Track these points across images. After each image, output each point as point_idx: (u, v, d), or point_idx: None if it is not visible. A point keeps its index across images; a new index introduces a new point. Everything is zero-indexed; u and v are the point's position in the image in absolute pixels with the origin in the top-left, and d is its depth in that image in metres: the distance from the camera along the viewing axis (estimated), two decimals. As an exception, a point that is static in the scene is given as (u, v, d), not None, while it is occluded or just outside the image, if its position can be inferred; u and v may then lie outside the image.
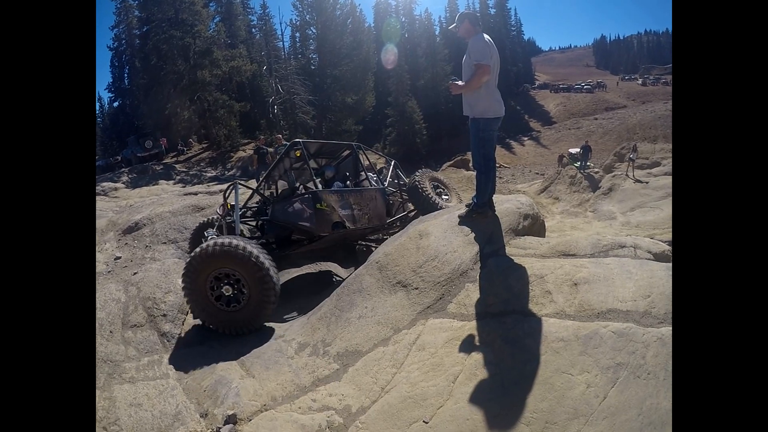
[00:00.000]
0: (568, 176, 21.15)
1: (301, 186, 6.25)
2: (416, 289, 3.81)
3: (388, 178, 6.89)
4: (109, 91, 27.77)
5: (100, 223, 9.09)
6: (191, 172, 18.03)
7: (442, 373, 2.97)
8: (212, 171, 17.96)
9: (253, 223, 6.28)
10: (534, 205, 4.92)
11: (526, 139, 45.21)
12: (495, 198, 4.36)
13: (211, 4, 24.16)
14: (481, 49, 3.81)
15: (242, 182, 6.32)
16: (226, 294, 4.53)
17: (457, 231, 4.21)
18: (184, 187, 15.02)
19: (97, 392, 3.98)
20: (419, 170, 6.69)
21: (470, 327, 3.26)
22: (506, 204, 4.58)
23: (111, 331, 4.97)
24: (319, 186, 5.63)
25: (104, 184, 16.61)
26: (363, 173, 6.55)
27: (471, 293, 3.56)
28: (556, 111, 55.08)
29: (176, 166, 18.88)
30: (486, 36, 3.91)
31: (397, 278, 4.00)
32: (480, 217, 4.19)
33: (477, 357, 2.99)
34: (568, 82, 68.84)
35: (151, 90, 20.75)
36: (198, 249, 4.55)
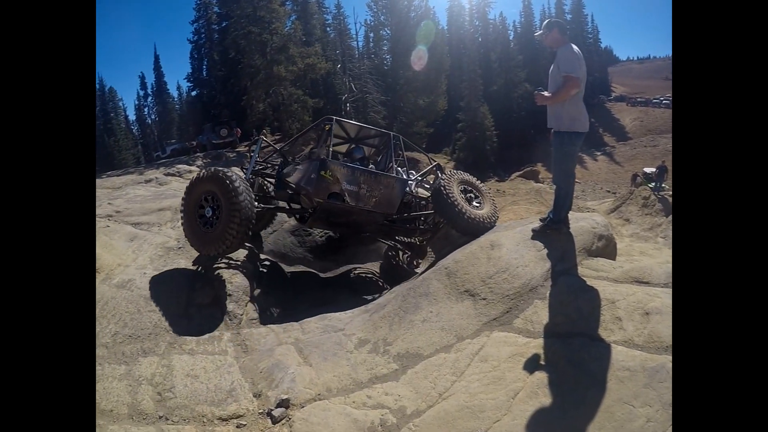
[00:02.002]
0: (641, 198, 19.71)
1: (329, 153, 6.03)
2: (484, 299, 3.76)
3: (417, 177, 6.63)
4: (188, 81, 29.96)
5: (174, 201, 9.56)
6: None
7: (502, 387, 2.91)
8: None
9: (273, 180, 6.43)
10: (609, 226, 4.69)
11: (599, 154, 42.80)
12: (570, 215, 4.19)
13: (287, 3, 24.99)
14: (571, 61, 3.68)
15: (266, 140, 6.73)
16: (207, 215, 5.02)
17: (529, 245, 4.11)
18: None
19: (156, 359, 4.23)
20: (449, 171, 6.28)
21: (535, 345, 3.18)
22: (581, 222, 4.40)
23: (176, 304, 5.28)
24: (338, 158, 5.99)
25: (180, 166, 17.50)
26: (392, 164, 6.28)
27: (539, 310, 3.46)
28: (632, 126, 51.59)
29: (248, 154, 19.81)
30: (575, 47, 3.77)
31: (465, 286, 3.96)
32: (554, 233, 4.05)
33: (540, 376, 2.92)
34: (645, 95, 63.98)
35: (228, 82, 22.10)
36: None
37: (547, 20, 4.05)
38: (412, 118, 22.36)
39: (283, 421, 3.23)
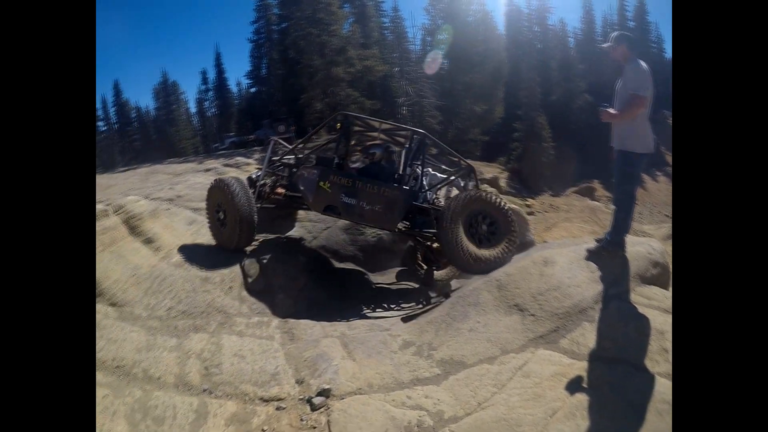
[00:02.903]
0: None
1: (337, 158, 5.90)
2: (532, 315, 3.74)
3: (437, 184, 6.29)
4: (247, 78, 31.05)
5: None
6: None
7: (541, 404, 2.90)
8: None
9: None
10: (665, 254, 4.49)
11: (659, 174, 40.16)
12: (626, 238, 4.06)
13: (346, 5, 25.16)
14: (638, 79, 3.56)
15: (281, 141, 7.25)
16: (221, 218, 5.89)
17: (583, 265, 4.04)
18: None
19: (207, 336, 4.49)
20: (465, 190, 5.89)
21: (579, 367, 3.14)
22: (637, 247, 4.24)
23: (230, 287, 5.62)
24: (349, 164, 6.11)
25: (238, 158, 18.20)
26: (417, 165, 5.88)
27: (587, 333, 3.41)
28: (697, 146, 48.00)
29: (304, 151, 20.30)
30: (643, 63, 3.64)
31: (515, 300, 3.95)
32: (609, 255, 3.93)
33: (580, 398, 2.88)
34: (714, 112, 59.26)
35: (287, 80, 22.73)
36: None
37: (615, 33, 3.87)
38: (467, 125, 22.03)
39: (322, 410, 3.34)
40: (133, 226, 5.99)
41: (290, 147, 6.66)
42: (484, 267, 4.70)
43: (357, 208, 5.48)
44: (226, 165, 16.43)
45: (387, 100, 22.88)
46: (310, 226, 8.09)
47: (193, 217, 7.80)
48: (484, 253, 4.85)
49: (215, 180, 6.14)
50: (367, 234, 8.18)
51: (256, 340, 4.63)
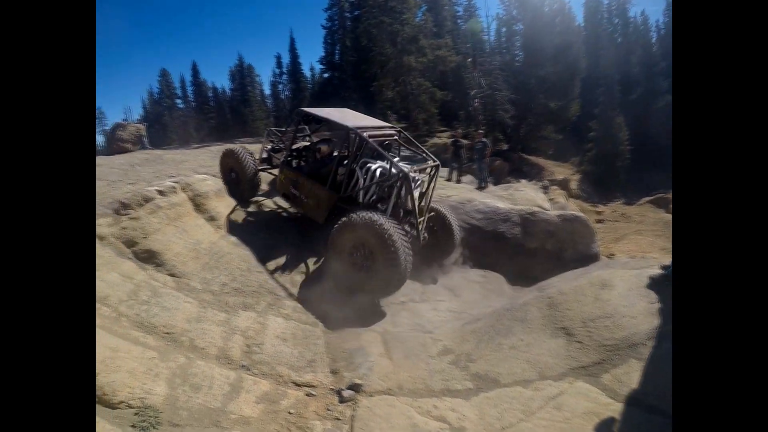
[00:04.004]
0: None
1: (287, 153, 6.96)
2: (579, 342, 3.53)
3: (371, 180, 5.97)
4: (320, 64, 31.71)
5: None
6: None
7: (565, 444, 2.72)
8: (405, 151, 18.98)
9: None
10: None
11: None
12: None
13: None
14: None
15: (274, 130, 8.08)
16: (233, 177, 7.21)
17: (642, 294, 3.72)
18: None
19: (254, 315, 4.69)
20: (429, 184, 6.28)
21: (615, 409, 2.90)
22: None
23: (283, 270, 5.86)
24: (301, 159, 7.04)
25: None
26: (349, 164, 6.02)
27: (632, 371, 3.14)
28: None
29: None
30: None
31: (563, 323, 3.76)
32: None
33: (607, 446, 2.67)
34: None
35: (359, 67, 22.85)
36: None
37: None
38: (540, 121, 20.67)
39: (350, 403, 3.40)
40: (198, 203, 6.35)
41: (281, 139, 7.69)
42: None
43: (299, 200, 6.39)
44: (295, 146, 16.98)
45: (459, 91, 22.13)
46: None
47: (257, 199, 7.99)
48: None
49: (226, 149, 7.59)
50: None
51: (301, 324, 4.79)
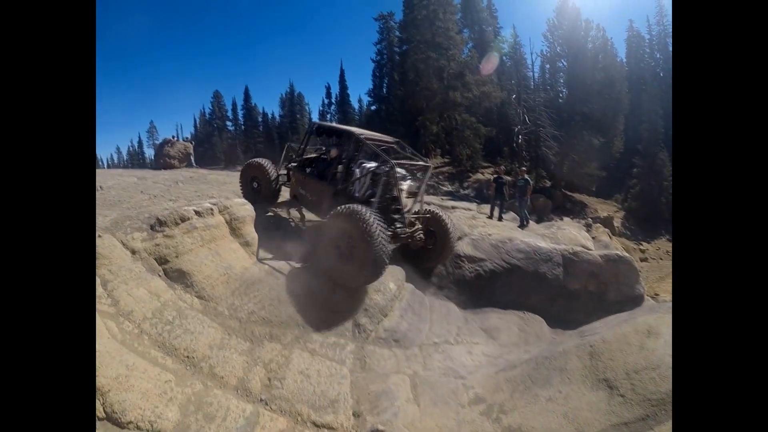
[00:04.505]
0: None
1: (298, 159, 7.71)
2: (621, 396, 3.15)
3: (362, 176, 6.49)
4: (368, 96, 32.43)
5: None
6: (429, 182, 19.11)
7: None
8: (449, 186, 18.62)
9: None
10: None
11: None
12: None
13: (464, 30, 25.00)
14: None
15: (294, 145, 8.60)
16: (255, 186, 7.92)
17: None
18: None
19: (279, 348, 4.49)
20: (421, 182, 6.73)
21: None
22: None
23: (314, 303, 5.54)
24: (312, 166, 7.45)
25: None
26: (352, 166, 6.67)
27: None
28: None
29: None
30: None
31: (605, 374, 3.38)
32: None
33: None
34: None
35: (405, 101, 23.19)
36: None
37: None
38: (584, 158, 20.01)
39: (369, 451, 3.08)
40: (235, 227, 6.29)
41: (295, 151, 8.22)
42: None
43: (306, 198, 7.01)
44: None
45: (503, 127, 22.02)
46: None
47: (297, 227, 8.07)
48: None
49: (250, 161, 8.38)
50: (465, 268, 7.77)
51: (327, 361, 4.56)
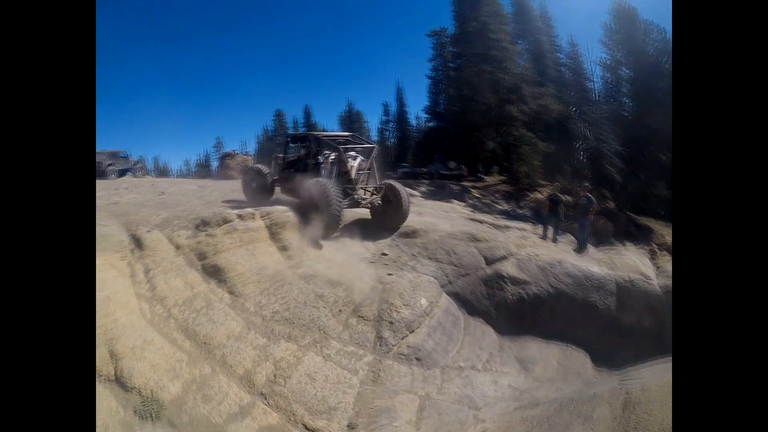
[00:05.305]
0: None
1: (284, 162, 9.70)
2: None
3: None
4: (425, 113, 32.42)
5: None
6: (484, 200, 17.87)
7: None
8: (504, 204, 17.91)
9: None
10: None
11: None
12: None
13: (519, 42, 23.78)
14: None
15: (278, 156, 10.12)
16: (254, 186, 9.43)
17: None
18: (473, 212, 14.79)
19: (294, 348, 4.62)
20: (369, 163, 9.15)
21: None
22: None
23: (340, 310, 5.70)
24: (293, 167, 9.17)
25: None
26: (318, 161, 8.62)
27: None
28: None
29: (472, 190, 19.11)
30: None
31: (637, 431, 2.95)
32: None
33: None
34: None
35: (461, 117, 22.70)
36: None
37: None
38: (651, 177, 18.04)
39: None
40: (274, 232, 6.69)
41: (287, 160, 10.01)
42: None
43: (292, 190, 8.47)
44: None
45: (564, 142, 20.66)
46: (449, 270, 7.58)
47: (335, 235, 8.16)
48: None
49: (248, 167, 11.50)
50: (507, 291, 7.29)
51: (338, 368, 4.61)
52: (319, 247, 7.22)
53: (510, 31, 21.74)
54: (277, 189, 9.60)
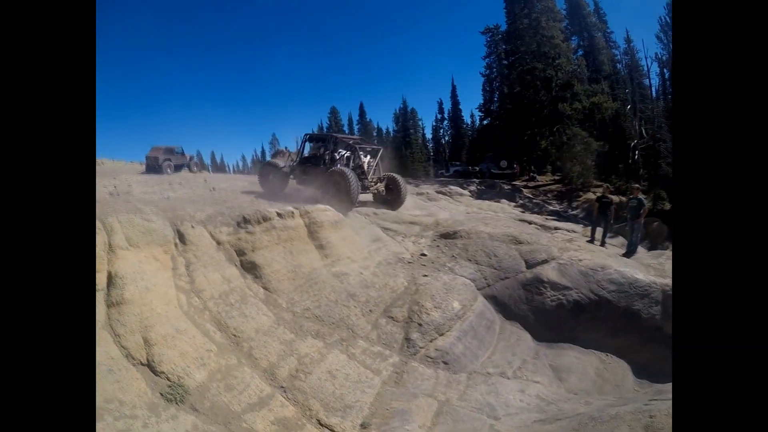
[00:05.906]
0: None
1: (300, 158, 11.56)
2: None
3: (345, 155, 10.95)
4: (479, 111, 31.72)
5: (427, 219, 9.91)
6: (534, 200, 17.66)
7: None
8: (556, 205, 17.02)
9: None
10: None
11: None
12: None
13: (573, 38, 23.07)
14: None
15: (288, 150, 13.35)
16: (270, 178, 11.08)
17: None
18: (523, 212, 14.82)
19: (320, 345, 4.73)
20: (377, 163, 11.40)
21: None
22: None
23: (371, 310, 5.78)
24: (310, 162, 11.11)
25: (452, 187, 17.92)
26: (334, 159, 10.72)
27: None
28: None
29: (523, 190, 18.93)
30: None
31: None
32: None
33: None
34: None
35: (514, 115, 22.09)
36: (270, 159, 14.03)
37: None
38: None
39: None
40: (312, 230, 6.83)
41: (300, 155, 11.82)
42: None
43: (307, 181, 10.50)
44: (439, 192, 16.77)
45: (619, 141, 19.42)
46: (488, 272, 7.44)
47: (379, 236, 8.37)
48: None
49: (265, 162, 13.29)
50: (546, 296, 7.01)
51: (360, 367, 4.68)
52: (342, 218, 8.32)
53: (563, 27, 21.11)
54: (291, 181, 11.45)
